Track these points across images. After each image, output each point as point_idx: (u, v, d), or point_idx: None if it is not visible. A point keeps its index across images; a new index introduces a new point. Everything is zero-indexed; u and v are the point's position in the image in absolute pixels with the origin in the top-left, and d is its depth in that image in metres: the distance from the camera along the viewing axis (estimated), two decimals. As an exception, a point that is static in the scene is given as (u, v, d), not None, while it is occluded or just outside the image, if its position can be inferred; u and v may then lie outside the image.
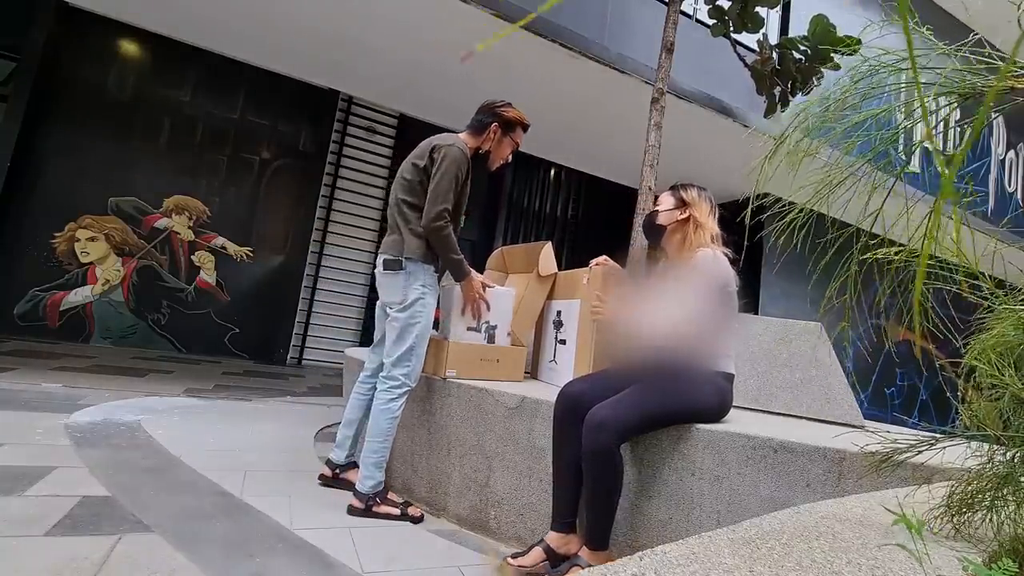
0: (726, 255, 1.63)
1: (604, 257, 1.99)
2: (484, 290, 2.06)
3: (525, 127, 2.10)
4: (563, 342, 2.12)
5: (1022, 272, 0.78)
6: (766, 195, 0.91)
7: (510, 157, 2.13)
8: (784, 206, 0.83)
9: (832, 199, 0.75)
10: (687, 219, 1.70)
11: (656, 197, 1.85)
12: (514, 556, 1.51)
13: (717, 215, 1.74)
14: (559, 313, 2.18)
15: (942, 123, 0.72)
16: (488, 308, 2.07)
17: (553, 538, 1.51)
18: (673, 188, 1.80)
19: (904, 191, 0.74)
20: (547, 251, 2.24)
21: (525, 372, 2.38)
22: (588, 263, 2.03)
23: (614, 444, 1.39)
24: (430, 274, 1.95)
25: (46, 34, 4.83)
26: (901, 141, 0.77)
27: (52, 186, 4.94)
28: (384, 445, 1.89)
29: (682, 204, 1.73)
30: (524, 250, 2.44)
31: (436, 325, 2.19)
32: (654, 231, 1.78)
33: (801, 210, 0.79)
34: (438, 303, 2.10)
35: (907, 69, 0.70)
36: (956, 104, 0.69)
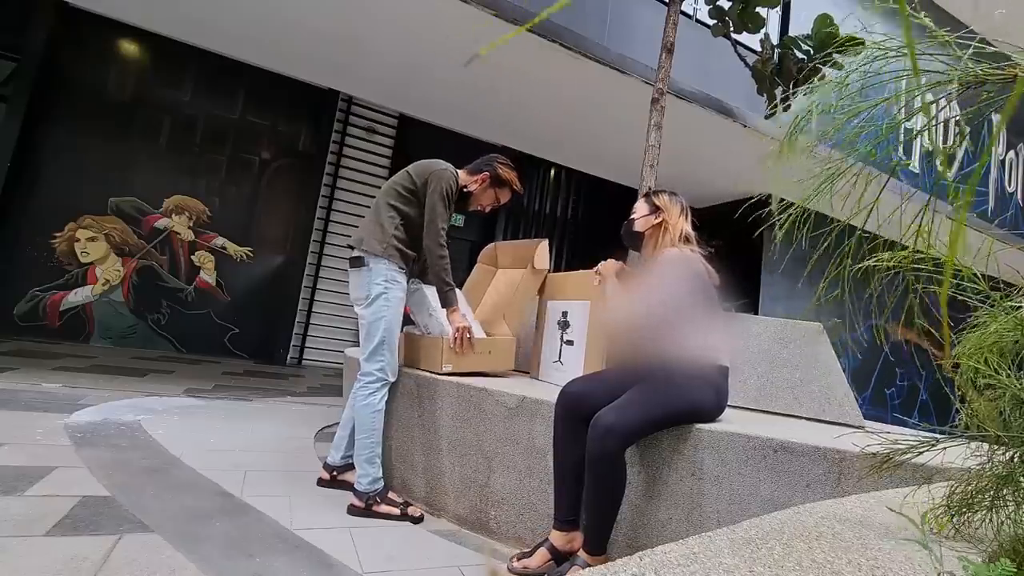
0: (699, 252, 1.69)
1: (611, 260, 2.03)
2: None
3: (514, 191, 2.21)
4: (570, 343, 2.13)
5: (1018, 272, 0.78)
6: (766, 196, 0.91)
7: (488, 209, 2.23)
8: (785, 206, 0.83)
9: (831, 196, 0.75)
10: (660, 223, 1.77)
11: (652, 191, 1.90)
12: (519, 558, 1.51)
13: (689, 216, 1.81)
14: (565, 314, 2.19)
15: (940, 116, 0.71)
16: (472, 343, 2.05)
17: (556, 537, 1.51)
18: (646, 195, 1.88)
19: (900, 189, 0.74)
20: (543, 247, 2.36)
21: (525, 372, 2.42)
22: (590, 264, 2.04)
23: (620, 449, 1.40)
24: (393, 269, 1.96)
25: (46, 34, 4.82)
26: (901, 135, 0.76)
27: (52, 186, 4.94)
28: (372, 440, 1.90)
29: (655, 209, 1.80)
30: (517, 246, 2.52)
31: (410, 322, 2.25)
32: (632, 238, 1.86)
33: (800, 208, 0.79)
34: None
35: (902, 56, 0.70)
36: (958, 93, 0.68)
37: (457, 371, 2.02)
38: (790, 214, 0.80)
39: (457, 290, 2.09)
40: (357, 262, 1.98)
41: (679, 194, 1.85)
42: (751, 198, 0.95)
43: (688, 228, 1.77)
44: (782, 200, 0.83)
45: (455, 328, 2.02)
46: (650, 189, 1.91)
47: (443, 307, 2.06)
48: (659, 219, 1.77)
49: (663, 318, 1.57)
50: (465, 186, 2.12)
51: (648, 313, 1.59)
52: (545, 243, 2.36)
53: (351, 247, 2.02)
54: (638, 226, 1.82)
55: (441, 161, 2.08)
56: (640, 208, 1.85)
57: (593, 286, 2.00)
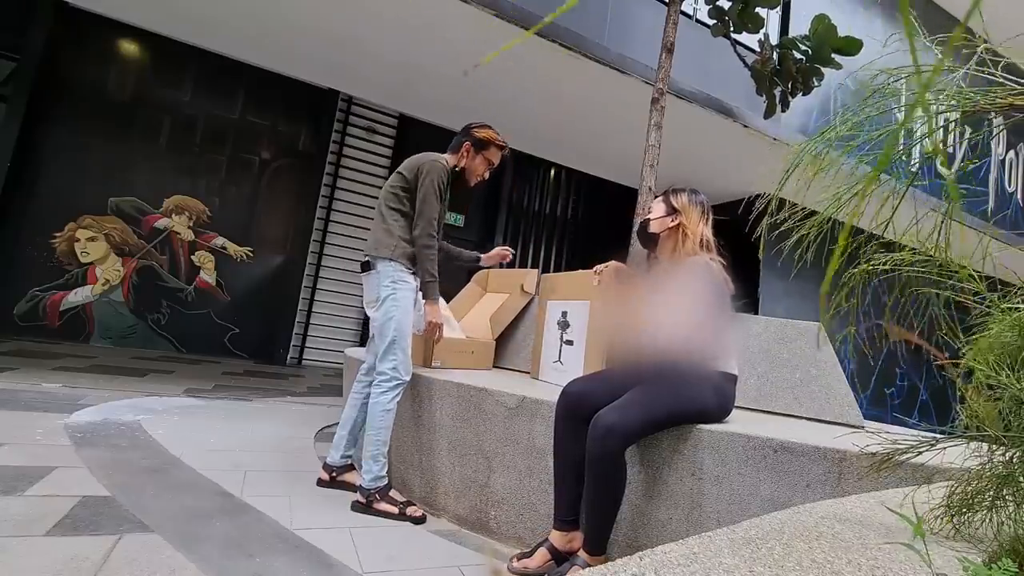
0: (720, 261, 1.65)
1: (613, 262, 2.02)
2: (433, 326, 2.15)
3: (500, 147, 2.20)
4: (570, 343, 2.13)
5: (1015, 273, 0.79)
6: (761, 195, 0.91)
7: (487, 175, 2.24)
8: (789, 212, 0.83)
9: (844, 209, 0.75)
10: (677, 226, 1.71)
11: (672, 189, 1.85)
12: (519, 557, 1.51)
13: (710, 219, 1.74)
14: (564, 314, 2.19)
15: (944, 133, 0.72)
16: (439, 336, 2.16)
17: (556, 537, 1.51)
18: (664, 194, 1.80)
19: (915, 197, 0.74)
20: (533, 274, 2.72)
21: (525, 372, 2.48)
22: (589, 264, 2.04)
23: (621, 449, 1.40)
24: (400, 270, 1.99)
25: (46, 34, 4.82)
26: (915, 154, 0.77)
27: (52, 186, 4.93)
28: (379, 439, 1.90)
29: (673, 211, 1.74)
30: (510, 274, 2.88)
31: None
32: (648, 239, 1.81)
33: (817, 221, 0.79)
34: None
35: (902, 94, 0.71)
36: (960, 120, 0.69)
37: (445, 367, 2.25)
38: (805, 232, 0.81)
39: (441, 300, 2.14)
40: (366, 266, 2.04)
41: (700, 193, 1.76)
42: (751, 198, 0.95)
43: (708, 233, 1.70)
44: (784, 202, 0.83)
45: (428, 321, 2.08)
46: (672, 187, 1.83)
47: (423, 298, 2.08)
48: (676, 222, 1.71)
49: (679, 326, 1.55)
50: (456, 166, 2.15)
51: (669, 323, 1.56)
52: (535, 272, 2.69)
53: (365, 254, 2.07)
54: (653, 227, 1.76)
55: (431, 153, 2.10)
56: (657, 208, 1.78)
57: (592, 286, 1.99)
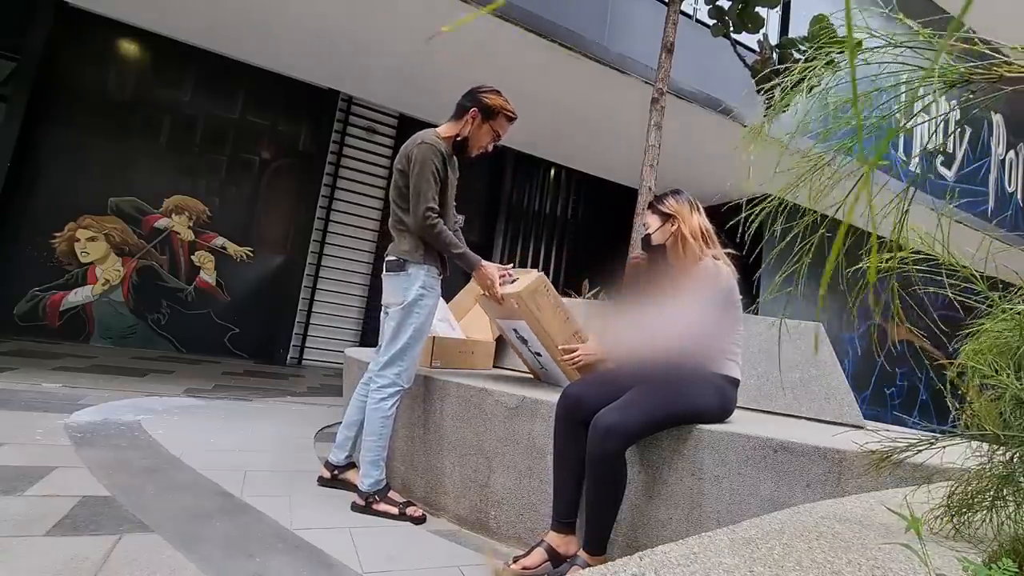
0: (728, 253, 1.67)
1: (507, 269, 2.01)
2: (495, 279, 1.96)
3: (510, 117, 1.99)
4: (539, 355, 2.07)
5: (1016, 273, 0.79)
6: (765, 196, 0.91)
7: (490, 147, 2.04)
8: (780, 205, 0.83)
9: (811, 190, 0.75)
10: (677, 230, 1.74)
11: (656, 198, 1.86)
12: (515, 559, 1.51)
13: (701, 210, 1.77)
14: (516, 331, 2.09)
15: (931, 111, 0.72)
16: (500, 297, 1.94)
17: (554, 538, 1.50)
18: (651, 206, 1.82)
19: (892, 186, 0.74)
20: (535, 273, 2.56)
21: (525, 372, 2.46)
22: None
23: (621, 449, 1.40)
24: (431, 276, 1.94)
25: (46, 34, 4.82)
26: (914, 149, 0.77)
27: (52, 186, 4.94)
28: (378, 444, 1.89)
29: (666, 218, 1.76)
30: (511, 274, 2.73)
31: None
32: (654, 252, 1.81)
33: (779, 201, 0.80)
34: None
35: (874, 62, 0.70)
36: (942, 91, 0.68)
37: (445, 367, 2.24)
38: (762, 211, 0.81)
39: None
40: (394, 266, 1.93)
41: (683, 191, 1.80)
42: (754, 198, 0.96)
43: (705, 222, 1.74)
44: (767, 197, 0.83)
45: (487, 277, 1.93)
46: (654, 196, 1.86)
47: (469, 268, 1.94)
48: (675, 226, 1.73)
49: (687, 339, 1.57)
50: (457, 135, 1.97)
51: (678, 337, 1.58)
52: (535, 272, 2.49)
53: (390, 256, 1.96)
54: (656, 240, 1.77)
55: (418, 135, 1.93)
56: (652, 221, 1.80)
57: (515, 308, 1.91)
